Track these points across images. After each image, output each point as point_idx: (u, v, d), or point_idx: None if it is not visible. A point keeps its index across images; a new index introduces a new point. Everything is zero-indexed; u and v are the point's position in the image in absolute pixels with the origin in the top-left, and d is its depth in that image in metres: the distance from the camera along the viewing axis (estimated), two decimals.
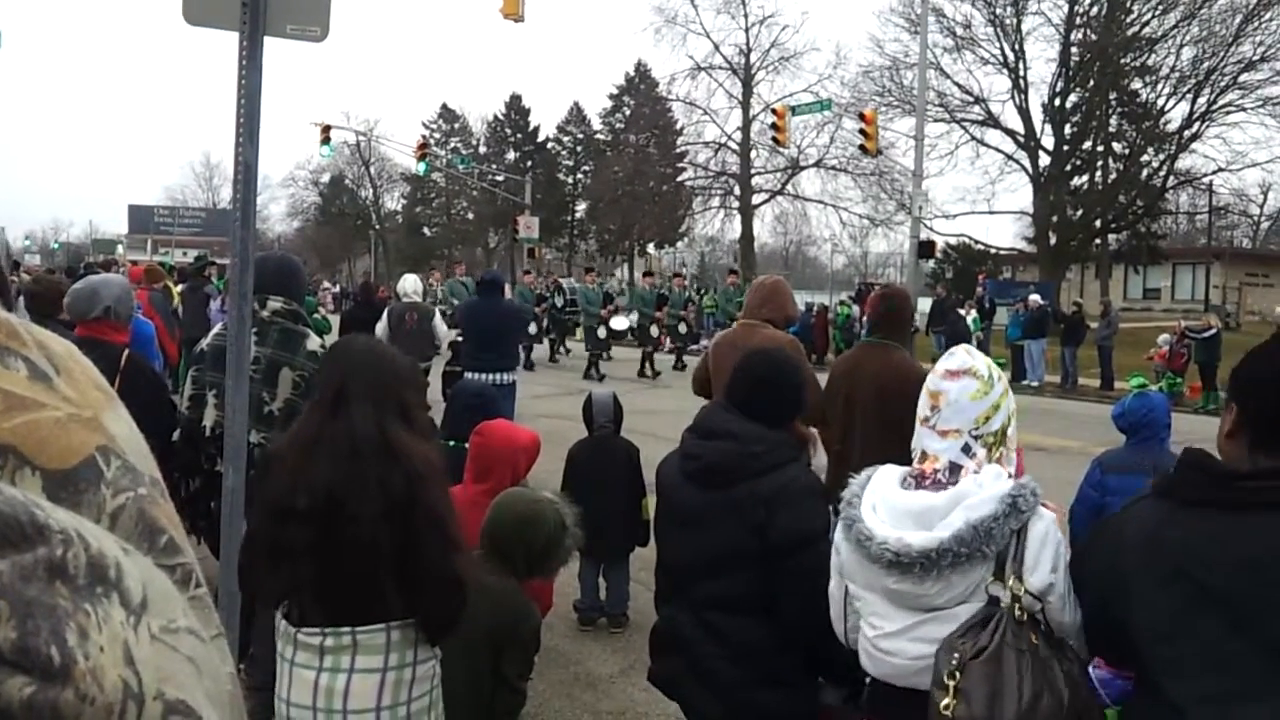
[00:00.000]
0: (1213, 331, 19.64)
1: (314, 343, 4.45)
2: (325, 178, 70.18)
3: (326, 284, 55.05)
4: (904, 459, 2.58)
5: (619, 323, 24.36)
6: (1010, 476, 2.37)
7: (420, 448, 2.72)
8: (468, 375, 9.34)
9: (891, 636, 2.37)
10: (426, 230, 70.52)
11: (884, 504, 2.41)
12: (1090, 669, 2.46)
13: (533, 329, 22.31)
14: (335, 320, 15.85)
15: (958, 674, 2.16)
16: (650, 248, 56.42)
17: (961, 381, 2.45)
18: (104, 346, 4.59)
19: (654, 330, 22.74)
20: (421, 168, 45.18)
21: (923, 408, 2.51)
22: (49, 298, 5.59)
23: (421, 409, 2.94)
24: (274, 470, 2.72)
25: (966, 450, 2.40)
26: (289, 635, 2.72)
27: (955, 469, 2.40)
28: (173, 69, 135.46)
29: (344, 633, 2.64)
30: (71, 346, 0.61)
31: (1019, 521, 2.24)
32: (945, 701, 2.16)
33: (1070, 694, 2.13)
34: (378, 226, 69.87)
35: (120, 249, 58.09)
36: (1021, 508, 2.24)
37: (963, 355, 2.53)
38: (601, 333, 22.01)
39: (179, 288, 14.45)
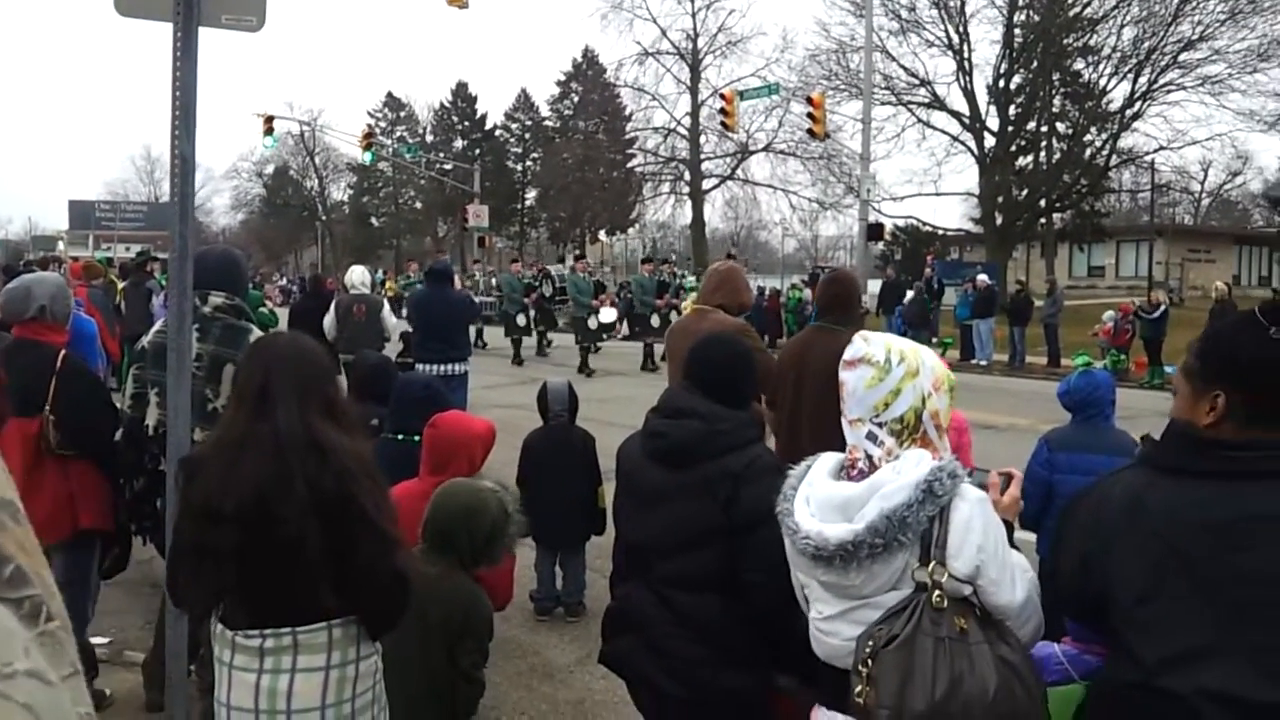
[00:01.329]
0: (1162, 309, 20.01)
1: (257, 337, 4.38)
2: (269, 169, 69.36)
3: (276, 276, 54.37)
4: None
5: (607, 315, 22.55)
6: (938, 459, 2.35)
7: (348, 443, 2.67)
8: (419, 367, 9.27)
9: (830, 620, 2.37)
10: (374, 220, 69.97)
11: (814, 496, 2.41)
12: (1057, 646, 2.47)
13: (521, 320, 21.64)
14: (283, 314, 15.65)
15: (870, 661, 2.15)
16: (602, 234, 56.32)
17: (858, 370, 2.43)
18: (40, 348, 4.49)
19: (655, 320, 20.90)
20: (367, 157, 44.92)
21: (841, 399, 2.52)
22: None
23: (348, 403, 2.89)
24: (198, 473, 2.66)
25: (872, 438, 2.39)
26: (226, 639, 2.67)
27: (870, 458, 2.40)
28: (110, 61, 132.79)
29: (284, 633, 2.60)
30: None
31: (936, 506, 2.20)
32: (858, 688, 2.16)
33: (1001, 678, 2.12)
34: (324, 218, 69.15)
35: (61, 245, 56.99)
36: (938, 492, 2.20)
37: (859, 343, 2.49)
38: (592, 323, 20.67)
39: (122, 284, 14.22)
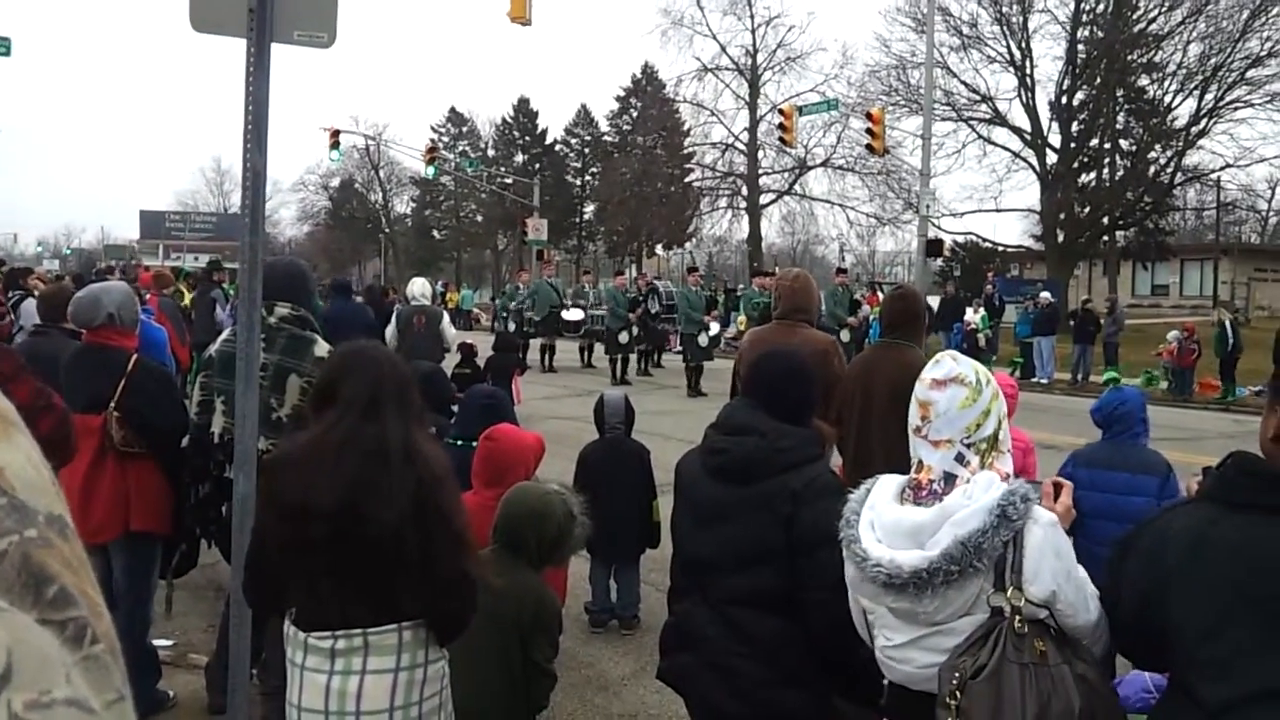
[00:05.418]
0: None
1: (322, 349, 4.44)
2: (335, 182, 70.32)
3: None
4: None
5: (713, 328, 20.27)
6: (1007, 477, 2.33)
7: (433, 451, 2.79)
8: None
9: (901, 648, 2.36)
10: (436, 233, 70.72)
11: (880, 521, 2.39)
12: (1147, 675, 2.44)
13: (624, 337, 19.96)
14: None
15: (959, 694, 2.13)
16: (659, 248, 56.36)
17: (949, 390, 2.40)
18: (111, 351, 4.61)
19: (703, 339, 18.89)
20: (430, 171, 45.26)
21: (913, 417, 2.46)
22: (56, 303, 5.80)
23: (426, 412, 3.01)
24: (287, 472, 2.74)
25: (960, 459, 2.36)
26: (298, 640, 2.73)
27: (950, 479, 2.36)
28: (183, 74, 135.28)
29: (355, 634, 2.65)
30: None
31: (1011, 530, 2.19)
32: None
33: (1083, 699, 2.11)
34: (387, 230, 70.00)
35: (132, 254, 58.21)
36: (1011, 516, 2.19)
37: (949, 363, 2.46)
38: (703, 340, 18.83)
39: (190, 293, 14.52)
